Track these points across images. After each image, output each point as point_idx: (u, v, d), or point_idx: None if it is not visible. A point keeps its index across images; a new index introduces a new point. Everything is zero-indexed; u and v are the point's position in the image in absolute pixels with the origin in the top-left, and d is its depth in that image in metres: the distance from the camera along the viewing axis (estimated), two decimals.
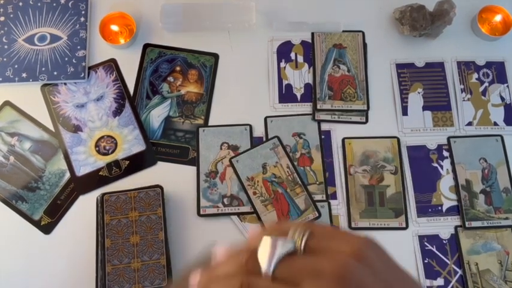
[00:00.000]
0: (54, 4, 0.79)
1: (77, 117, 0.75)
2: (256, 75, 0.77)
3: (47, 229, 0.70)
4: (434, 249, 0.68)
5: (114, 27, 0.78)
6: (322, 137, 0.73)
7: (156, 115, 0.75)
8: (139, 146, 0.74)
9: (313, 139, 0.73)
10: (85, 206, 0.71)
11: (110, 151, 0.73)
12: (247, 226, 0.70)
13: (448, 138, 0.73)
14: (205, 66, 0.78)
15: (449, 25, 0.75)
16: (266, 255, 0.27)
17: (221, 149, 0.73)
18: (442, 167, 0.72)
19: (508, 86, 0.76)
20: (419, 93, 0.76)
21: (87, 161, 0.73)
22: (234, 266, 0.28)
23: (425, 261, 0.68)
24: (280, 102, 0.76)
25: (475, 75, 0.76)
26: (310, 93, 0.76)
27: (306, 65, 0.78)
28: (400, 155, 0.72)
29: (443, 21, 0.75)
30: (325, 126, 0.74)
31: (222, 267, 0.29)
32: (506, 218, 0.69)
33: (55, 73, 0.75)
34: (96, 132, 0.74)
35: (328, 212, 0.69)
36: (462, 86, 0.76)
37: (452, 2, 0.74)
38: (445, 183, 0.71)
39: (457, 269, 0.67)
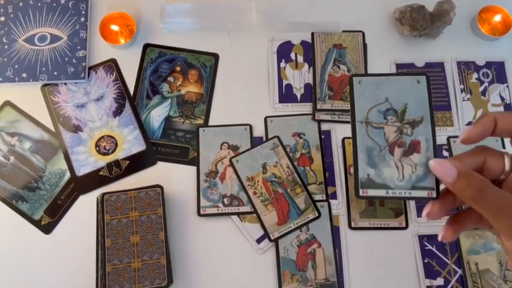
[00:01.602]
0: (54, 4, 0.79)
1: (77, 117, 0.75)
2: (256, 75, 0.77)
3: (47, 229, 0.70)
4: (434, 249, 0.68)
5: (114, 27, 0.79)
6: (322, 137, 0.74)
7: (156, 115, 0.75)
8: (139, 146, 0.74)
9: (313, 139, 0.73)
10: (85, 206, 0.71)
11: (110, 151, 0.73)
12: (247, 226, 0.70)
13: (448, 138, 0.73)
14: (205, 66, 0.78)
15: (449, 25, 0.75)
16: None
17: (221, 149, 0.73)
18: None
19: (507, 86, 0.76)
20: None
21: (87, 161, 0.73)
22: None
23: (425, 261, 0.68)
24: (280, 102, 0.76)
25: (475, 75, 0.77)
26: (310, 93, 0.76)
27: (306, 65, 0.78)
28: None
29: (443, 21, 0.75)
30: (325, 126, 0.74)
31: None
32: None
33: (55, 73, 0.75)
34: (96, 132, 0.74)
35: (328, 212, 0.69)
36: (462, 86, 0.76)
37: (452, 2, 0.74)
38: None
39: (457, 269, 0.68)
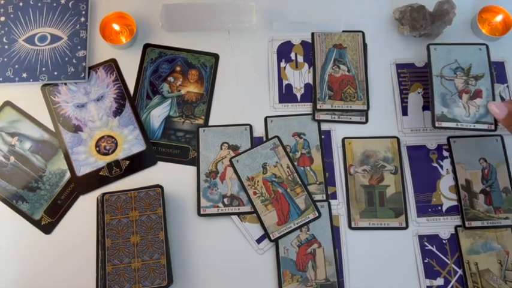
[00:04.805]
0: (55, 4, 0.79)
1: (77, 117, 0.75)
2: (256, 75, 0.77)
3: (47, 229, 0.70)
4: (434, 249, 0.68)
5: (116, 26, 0.79)
6: (322, 137, 0.74)
7: (156, 115, 0.76)
8: (139, 146, 0.74)
9: (313, 139, 0.73)
10: (85, 206, 0.71)
11: (110, 151, 0.73)
12: (247, 226, 0.70)
13: (448, 138, 0.73)
14: (205, 66, 0.78)
15: (449, 25, 0.75)
16: None
17: (221, 149, 0.73)
18: (442, 167, 0.72)
19: (508, 86, 0.76)
20: (419, 93, 0.76)
21: (87, 161, 0.73)
22: None
23: (425, 261, 0.68)
24: (280, 102, 0.76)
25: None
26: (310, 93, 0.76)
27: (306, 65, 0.78)
28: (400, 155, 0.72)
29: (443, 21, 0.75)
30: (325, 126, 0.74)
31: None
32: (506, 218, 0.69)
33: (55, 73, 0.75)
34: (96, 132, 0.74)
35: (328, 212, 0.69)
36: None
37: (452, 2, 0.74)
38: (445, 183, 0.71)
39: (457, 269, 0.68)
